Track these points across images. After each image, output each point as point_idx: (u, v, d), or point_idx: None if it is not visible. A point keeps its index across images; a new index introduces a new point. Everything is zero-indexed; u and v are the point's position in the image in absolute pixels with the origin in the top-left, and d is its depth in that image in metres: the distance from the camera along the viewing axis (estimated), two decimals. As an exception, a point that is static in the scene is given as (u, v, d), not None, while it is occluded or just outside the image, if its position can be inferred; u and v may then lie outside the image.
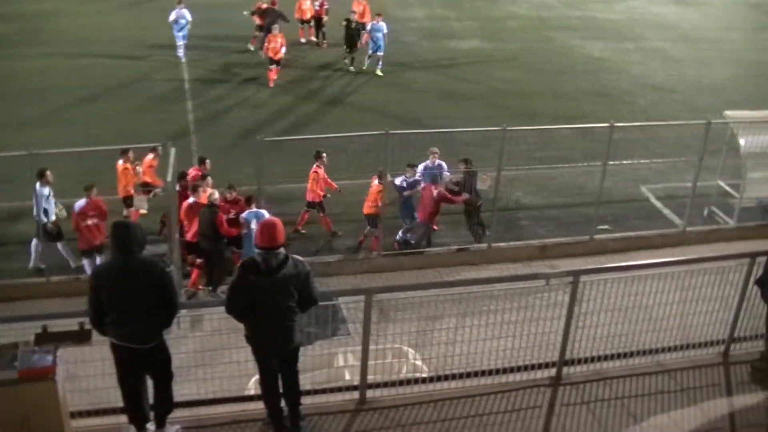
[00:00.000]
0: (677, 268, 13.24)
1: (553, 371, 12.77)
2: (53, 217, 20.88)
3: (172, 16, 35.79)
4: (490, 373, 12.56)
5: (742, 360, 13.51)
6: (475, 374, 12.53)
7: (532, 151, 24.84)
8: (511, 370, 12.65)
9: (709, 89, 36.62)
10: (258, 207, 20.47)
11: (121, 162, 22.15)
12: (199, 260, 20.77)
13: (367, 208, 22.47)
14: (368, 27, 35.39)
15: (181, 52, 35.96)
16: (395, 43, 39.17)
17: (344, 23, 35.72)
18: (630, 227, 24.09)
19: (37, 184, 20.38)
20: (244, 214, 20.41)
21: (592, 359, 13.03)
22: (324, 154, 22.40)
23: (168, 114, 30.39)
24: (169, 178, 18.75)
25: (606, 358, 13.06)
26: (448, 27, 43.48)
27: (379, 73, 35.54)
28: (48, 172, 20.43)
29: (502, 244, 22.76)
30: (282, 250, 10.29)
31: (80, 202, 20.02)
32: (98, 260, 20.20)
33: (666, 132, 29.54)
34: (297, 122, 30.28)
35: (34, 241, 20.90)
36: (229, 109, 31.20)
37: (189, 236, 20.59)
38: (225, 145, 27.04)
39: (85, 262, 20.52)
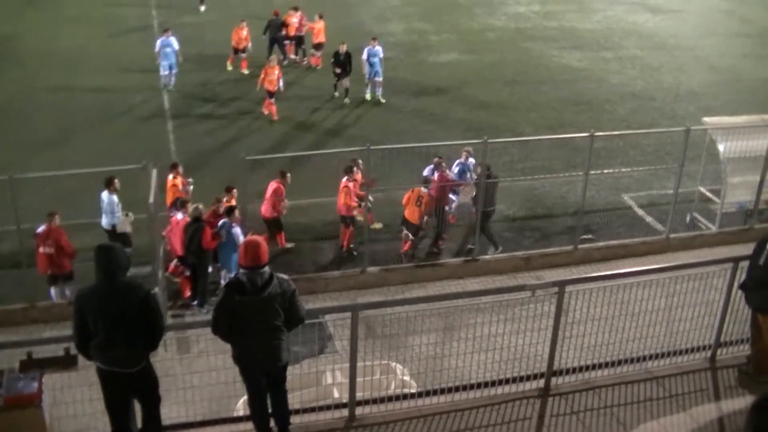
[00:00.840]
0: (662, 275, 13.31)
1: (541, 382, 12.78)
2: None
3: (158, 46, 34.29)
4: (479, 386, 12.56)
5: (729, 364, 13.56)
6: (464, 388, 12.52)
7: (514, 162, 25.03)
8: (500, 382, 12.66)
9: (686, 96, 36.84)
10: (239, 224, 20.50)
11: (171, 177, 22.41)
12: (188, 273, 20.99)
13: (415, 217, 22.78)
14: (364, 53, 34.14)
15: (172, 82, 34.77)
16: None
17: (332, 59, 34.24)
18: (613, 236, 24.13)
19: (105, 192, 21.02)
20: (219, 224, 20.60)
21: (580, 369, 13.06)
22: (355, 168, 22.45)
23: (148, 134, 30.31)
24: (151, 199, 18.70)
25: (594, 367, 13.09)
26: (426, 41, 43.59)
27: (381, 99, 34.51)
28: (116, 181, 21.06)
29: (486, 257, 22.81)
30: (266, 268, 10.26)
31: (41, 227, 19.91)
32: (66, 290, 20.20)
33: (646, 139, 29.78)
34: (279, 141, 30.23)
35: None
36: (210, 129, 31.13)
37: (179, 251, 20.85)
38: (207, 165, 27.04)
39: (51, 289, 20.47)
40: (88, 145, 28.86)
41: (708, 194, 25.15)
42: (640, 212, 25.72)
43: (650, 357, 13.42)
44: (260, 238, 10.49)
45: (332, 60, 34.15)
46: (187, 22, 43.61)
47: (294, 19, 38.11)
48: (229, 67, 37.23)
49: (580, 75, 39.05)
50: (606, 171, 25.06)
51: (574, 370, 13.05)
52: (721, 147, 23.94)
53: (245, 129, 31.30)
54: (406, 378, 13.82)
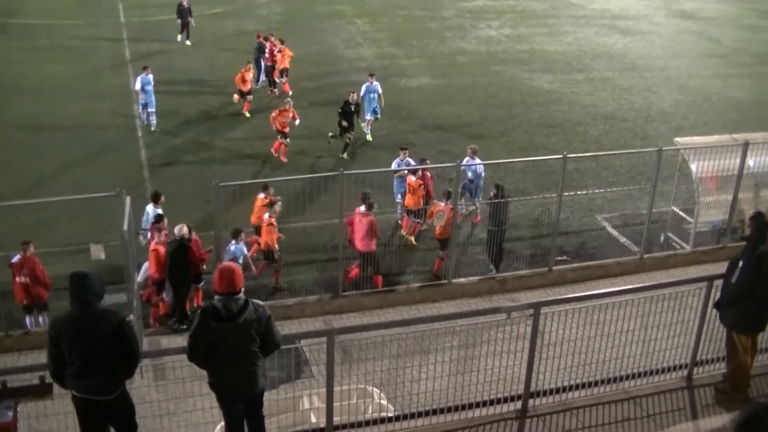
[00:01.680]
0: (637, 295, 13.36)
1: (518, 404, 12.76)
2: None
3: (137, 84, 32.81)
4: (456, 409, 12.52)
5: (705, 383, 13.60)
6: (441, 411, 12.49)
7: (487, 185, 25.02)
8: (477, 405, 12.63)
9: (658, 116, 37.08)
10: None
11: (261, 195, 22.68)
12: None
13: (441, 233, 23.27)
14: (362, 90, 33.15)
15: (153, 120, 33.25)
16: (346, 84, 39.37)
17: (340, 110, 31.43)
18: (588, 257, 24.22)
19: (150, 206, 21.90)
20: (231, 248, 20.98)
21: (557, 390, 13.05)
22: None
23: (121, 163, 30.17)
24: (125, 227, 18.59)
25: (571, 388, 13.09)
26: (397, 65, 43.70)
27: (368, 138, 33.47)
28: (162, 196, 22.46)
29: (461, 279, 22.75)
30: (242, 295, 10.21)
31: (15, 257, 19.74)
32: (41, 319, 20.02)
33: (619, 160, 29.92)
34: (251, 169, 30.14)
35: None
36: (183, 157, 31.01)
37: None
38: (181, 192, 26.95)
39: (26, 318, 20.26)
40: (60, 174, 28.74)
41: (681, 214, 25.27)
42: (614, 233, 25.79)
43: (627, 377, 13.44)
44: (235, 265, 10.42)
45: (339, 110, 31.55)
46: (156, 50, 43.66)
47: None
48: (247, 114, 35.76)
49: (551, 97, 39.23)
50: (579, 192, 25.18)
51: (551, 392, 13.05)
52: (693, 167, 24.09)
53: (220, 156, 31.15)
54: (383, 402, 13.78)
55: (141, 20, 50.48)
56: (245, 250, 21.42)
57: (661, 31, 53.15)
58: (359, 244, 22.26)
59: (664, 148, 23.60)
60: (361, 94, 33.31)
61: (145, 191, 27.07)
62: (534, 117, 36.26)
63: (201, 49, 43.13)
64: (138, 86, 32.92)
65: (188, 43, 45.29)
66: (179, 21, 45.24)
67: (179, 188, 27.59)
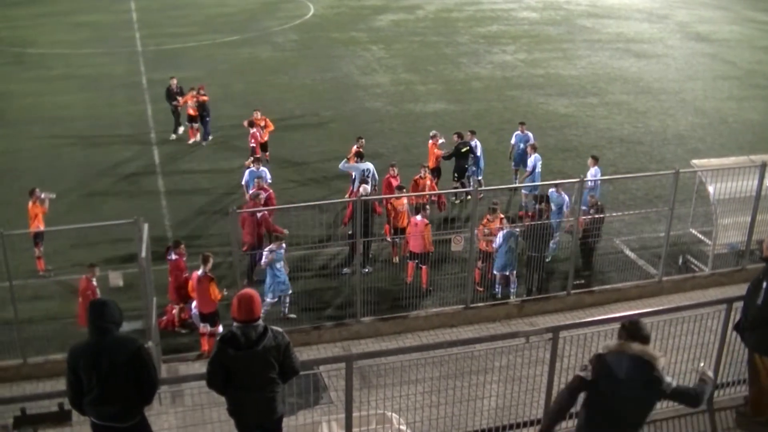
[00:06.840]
0: (655, 318, 13.24)
1: (538, 428, 12.68)
2: None
3: (245, 178, 27.78)
4: (476, 434, 12.49)
5: (726, 406, 13.50)
6: (461, 436, 12.44)
7: (503, 209, 25.00)
8: (497, 430, 12.57)
9: (674, 139, 36.98)
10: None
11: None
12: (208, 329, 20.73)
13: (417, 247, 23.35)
14: (512, 139, 31.37)
15: None
16: (361, 110, 39.52)
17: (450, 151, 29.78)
18: (606, 280, 24.15)
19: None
20: None
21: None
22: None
23: (138, 190, 30.31)
24: (143, 254, 18.63)
25: (591, 412, 12.98)
26: (413, 91, 43.76)
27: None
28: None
29: (480, 304, 22.73)
30: (260, 322, 10.20)
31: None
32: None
33: (635, 183, 29.87)
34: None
35: None
36: (200, 183, 31.07)
37: (202, 308, 20.65)
38: (198, 219, 27.04)
39: None
40: (77, 202, 28.84)
41: (699, 236, 25.21)
42: (632, 256, 25.70)
43: (647, 400, 13.34)
44: (254, 292, 10.38)
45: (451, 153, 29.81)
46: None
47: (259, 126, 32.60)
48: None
49: (567, 121, 39.18)
50: (596, 216, 25.11)
51: (570, 416, 12.96)
52: (711, 189, 24.04)
53: (237, 183, 31.15)
54: (403, 427, 13.71)
55: (157, 48, 50.82)
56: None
57: (675, 54, 53.09)
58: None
59: (681, 170, 23.57)
60: (512, 143, 31.57)
61: (162, 218, 27.20)
62: (550, 141, 36.18)
63: (216, 77, 43.23)
64: (244, 180, 27.85)
65: (173, 136, 36.45)
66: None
67: (198, 215, 27.69)
